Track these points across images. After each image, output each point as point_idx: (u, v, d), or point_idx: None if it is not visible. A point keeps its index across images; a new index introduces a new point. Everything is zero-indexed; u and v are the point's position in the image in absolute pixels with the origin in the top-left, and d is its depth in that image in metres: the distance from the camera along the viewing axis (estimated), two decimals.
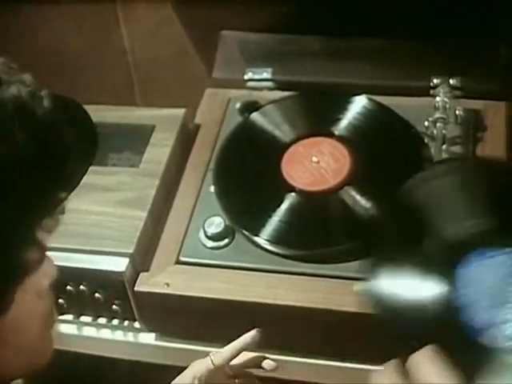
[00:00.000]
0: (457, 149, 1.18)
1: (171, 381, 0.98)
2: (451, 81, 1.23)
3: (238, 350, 1.01)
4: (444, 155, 1.16)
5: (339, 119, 1.25)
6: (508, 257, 0.70)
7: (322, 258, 1.08)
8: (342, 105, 1.27)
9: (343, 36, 1.28)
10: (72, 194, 1.18)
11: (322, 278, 1.07)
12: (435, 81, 1.23)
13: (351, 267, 1.06)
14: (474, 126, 1.21)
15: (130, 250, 1.10)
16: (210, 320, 1.11)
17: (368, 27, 1.23)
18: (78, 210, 1.15)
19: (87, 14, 1.54)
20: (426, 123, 1.18)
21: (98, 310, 1.16)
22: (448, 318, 0.70)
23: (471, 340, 0.67)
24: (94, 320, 1.18)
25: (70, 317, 1.19)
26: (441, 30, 1.18)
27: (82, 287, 1.13)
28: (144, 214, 1.15)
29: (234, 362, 1.02)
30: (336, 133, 1.23)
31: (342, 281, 1.05)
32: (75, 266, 1.11)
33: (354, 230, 1.10)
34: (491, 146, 1.19)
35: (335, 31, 1.27)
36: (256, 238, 1.11)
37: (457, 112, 1.18)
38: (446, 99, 1.18)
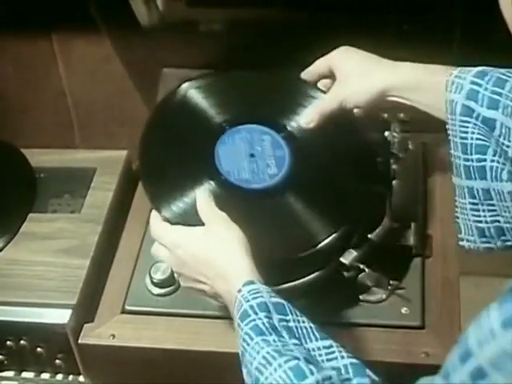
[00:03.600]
0: (407, 183, 1.16)
1: None
2: (401, 115, 1.21)
3: None
4: (395, 190, 1.14)
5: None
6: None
7: None
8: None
9: (285, 70, 1.26)
10: (10, 243, 1.15)
11: None
12: (385, 115, 1.21)
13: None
14: (423, 160, 1.20)
15: (73, 302, 1.07)
16: (159, 371, 1.07)
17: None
18: (16, 260, 1.12)
19: (24, 54, 1.50)
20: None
21: (40, 365, 1.12)
22: None
23: None
24: (36, 376, 1.14)
25: (10, 373, 1.14)
26: None
27: (22, 342, 1.09)
28: (87, 263, 1.11)
29: None
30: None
31: None
32: (15, 320, 1.07)
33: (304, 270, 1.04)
34: (441, 180, 1.18)
35: (278, 67, 1.25)
36: None
37: (407, 146, 1.16)
38: (395, 134, 1.16)
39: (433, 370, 0.95)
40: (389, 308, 1.02)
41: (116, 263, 1.14)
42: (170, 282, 1.08)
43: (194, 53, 1.28)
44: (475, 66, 0.94)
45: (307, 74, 1.11)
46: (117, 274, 1.13)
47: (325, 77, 1.09)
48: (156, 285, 1.08)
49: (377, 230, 1.06)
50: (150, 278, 1.08)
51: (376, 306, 1.03)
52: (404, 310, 1.02)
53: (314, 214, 1.02)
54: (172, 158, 1.05)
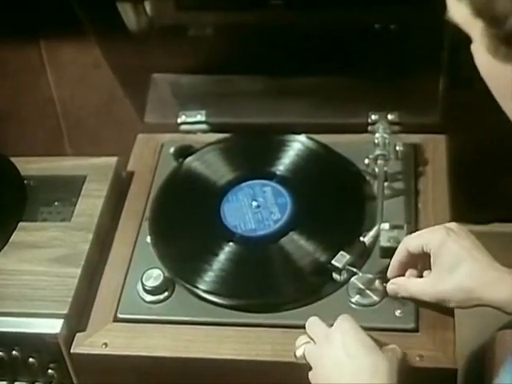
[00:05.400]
0: (399, 185, 1.16)
1: None
2: (389, 116, 1.21)
3: None
4: (387, 192, 1.13)
5: (279, 160, 1.23)
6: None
7: (267, 307, 1.04)
8: (282, 145, 1.25)
9: (278, 75, 1.25)
10: (0, 252, 1.14)
11: (268, 328, 1.02)
12: (373, 117, 1.22)
13: (295, 315, 1.02)
14: (414, 161, 1.20)
15: (65, 311, 1.05)
16: (152, 379, 1.05)
17: (303, 65, 1.21)
18: (6, 270, 1.10)
19: (12, 61, 1.49)
20: (367, 161, 1.17)
21: (32, 375, 1.10)
22: None
23: None
24: None
25: None
26: (376, 64, 1.17)
27: (14, 352, 1.08)
28: (78, 271, 1.09)
29: None
30: (277, 174, 1.21)
31: (288, 330, 1.01)
32: (6, 331, 1.06)
33: (297, 278, 1.07)
34: (433, 181, 1.18)
35: (269, 70, 1.24)
36: (196, 289, 1.07)
37: (397, 148, 1.16)
38: (385, 135, 1.16)
39: (427, 372, 0.95)
40: (382, 311, 1.02)
41: (107, 271, 1.13)
42: (163, 288, 1.07)
43: (183, 57, 1.27)
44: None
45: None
46: (108, 281, 1.12)
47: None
48: (148, 292, 1.07)
49: (369, 233, 1.05)
50: (142, 285, 1.07)
51: (369, 309, 1.02)
52: (398, 313, 1.01)
53: (318, 244, 1.09)
54: (181, 223, 1.17)
